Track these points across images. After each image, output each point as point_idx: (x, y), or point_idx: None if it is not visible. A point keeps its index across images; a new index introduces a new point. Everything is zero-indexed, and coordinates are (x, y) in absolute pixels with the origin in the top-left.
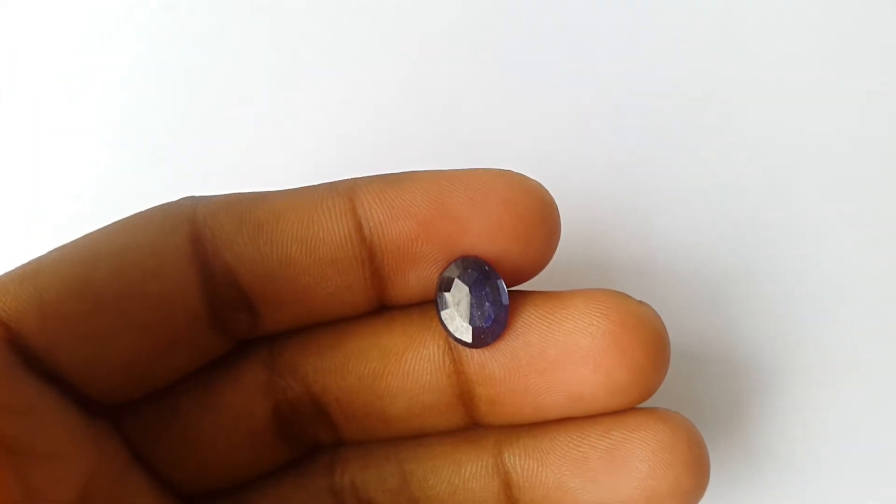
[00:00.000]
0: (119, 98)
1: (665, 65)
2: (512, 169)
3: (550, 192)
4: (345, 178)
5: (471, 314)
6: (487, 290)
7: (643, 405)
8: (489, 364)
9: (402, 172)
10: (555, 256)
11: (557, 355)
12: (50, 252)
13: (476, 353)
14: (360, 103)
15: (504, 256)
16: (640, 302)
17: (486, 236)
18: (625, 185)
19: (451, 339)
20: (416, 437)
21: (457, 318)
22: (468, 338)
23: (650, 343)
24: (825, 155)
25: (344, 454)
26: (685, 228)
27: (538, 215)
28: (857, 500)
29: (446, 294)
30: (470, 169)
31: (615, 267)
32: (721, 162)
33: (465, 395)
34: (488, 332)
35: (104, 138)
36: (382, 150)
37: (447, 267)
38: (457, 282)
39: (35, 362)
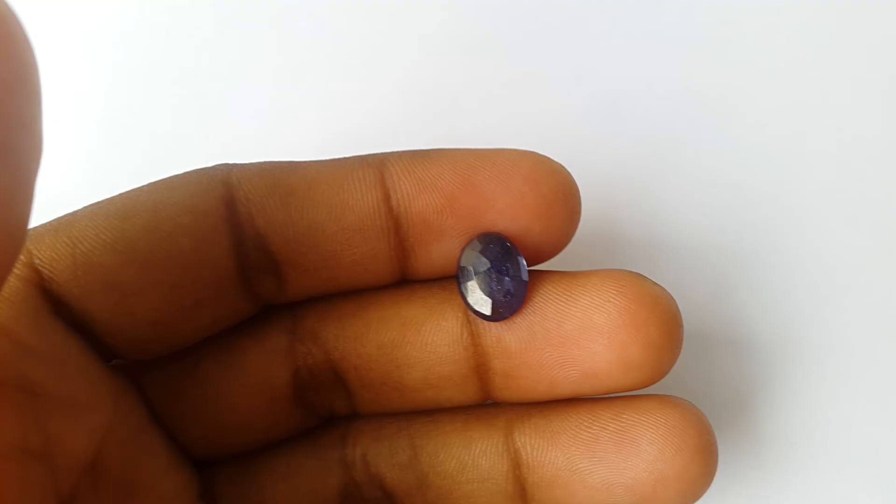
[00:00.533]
0: (119, 93)
1: (676, 52)
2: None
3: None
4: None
5: (490, 288)
6: (508, 265)
7: (655, 390)
8: (505, 337)
9: (430, 149)
10: (573, 239)
11: (573, 330)
12: (86, 206)
13: (493, 327)
14: (370, 97)
15: (526, 234)
16: (655, 283)
17: (510, 213)
18: (639, 171)
19: (470, 312)
20: (428, 413)
21: (477, 291)
22: (487, 310)
23: (664, 322)
24: (835, 138)
25: (357, 427)
26: (698, 215)
27: (560, 195)
28: (863, 487)
29: (468, 267)
30: (496, 148)
31: (631, 251)
32: (733, 147)
33: (480, 368)
34: (506, 306)
35: (100, 136)
36: (391, 140)
37: (470, 242)
38: (479, 256)
39: (64, 310)
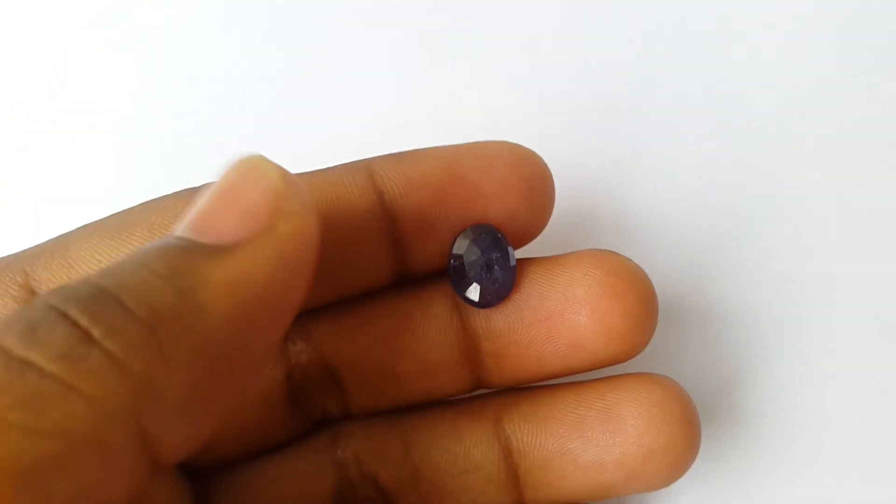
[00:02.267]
0: (126, 99)
1: (647, 37)
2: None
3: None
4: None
5: (481, 276)
6: (498, 254)
7: (636, 369)
8: (494, 319)
9: (413, 150)
10: (548, 229)
11: (556, 306)
12: (78, 229)
13: (482, 311)
14: (367, 95)
15: (512, 217)
16: (629, 259)
17: (497, 199)
18: (610, 157)
19: (460, 299)
20: (417, 410)
21: (467, 279)
22: (476, 297)
23: (641, 292)
24: (815, 106)
25: (347, 428)
26: (670, 195)
27: (539, 177)
28: (848, 463)
29: (459, 256)
30: (475, 142)
31: (604, 234)
32: (705, 128)
33: (471, 352)
34: (495, 293)
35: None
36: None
37: (461, 232)
38: (470, 245)
39: None
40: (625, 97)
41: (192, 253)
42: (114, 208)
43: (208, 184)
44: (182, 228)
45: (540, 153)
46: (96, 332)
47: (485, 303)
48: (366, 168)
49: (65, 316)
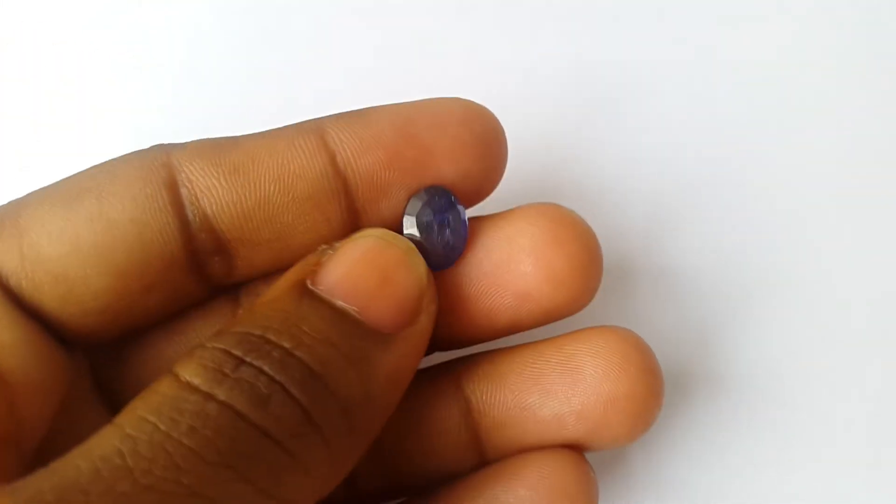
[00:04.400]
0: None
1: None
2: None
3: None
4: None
5: (433, 238)
6: (449, 216)
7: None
8: (440, 275)
9: (365, 108)
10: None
11: (501, 257)
12: (29, 195)
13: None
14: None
15: (465, 175)
16: (570, 209)
17: (450, 157)
18: (581, 125)
19: None
20: None
21: (419, 240)
22: (427, 260)
23: (584, 239)
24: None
25: None
26: (636, 160)
27: (492, 134)
28: (818, 426)
29: (412, 218)
30: (427, 99)
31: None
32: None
33: None
34: (445, 257)
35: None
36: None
37: (416, 193)
38: (424, 207)
39: (17, 300)
40: (602, 73)
41: (366, 339)
42: None
43: (357, 241)
44: (342, 291)
45: (502, 114)
46: (315, 415)
47: (435, 265)
48: (317, 129)
49: (291, 396)
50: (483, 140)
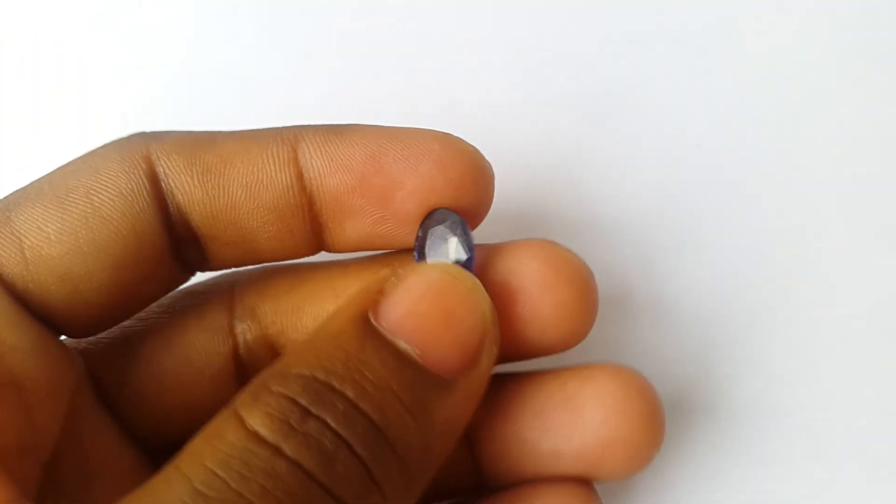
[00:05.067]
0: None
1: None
2: (449, 132)
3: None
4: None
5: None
6: (463, 239)
7: (606, 358)
8: None
9: (346, 125)
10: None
11: (491, 295)
12: (16, 195)
13: None
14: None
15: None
16: (565, 248)
17: (419, 195)
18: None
19: None
20: None
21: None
22: None
23: (577, 280)
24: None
25: None
26: (625, 189)
27: (469, 177)
28: (821, 450)
29: (433, 240)
30: (409, 128)
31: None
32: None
33: None
34: None
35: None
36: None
37: (430, 215)
38: (445, 231)
39: (24, 303)
40: (602, 92)
41: (427, 387)
42: None
43: (422, 275)
44: (405, 331)
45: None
46: (375, 473)
47: None
48: (293, 139)
49: (355, 454)
50: (456, 183)
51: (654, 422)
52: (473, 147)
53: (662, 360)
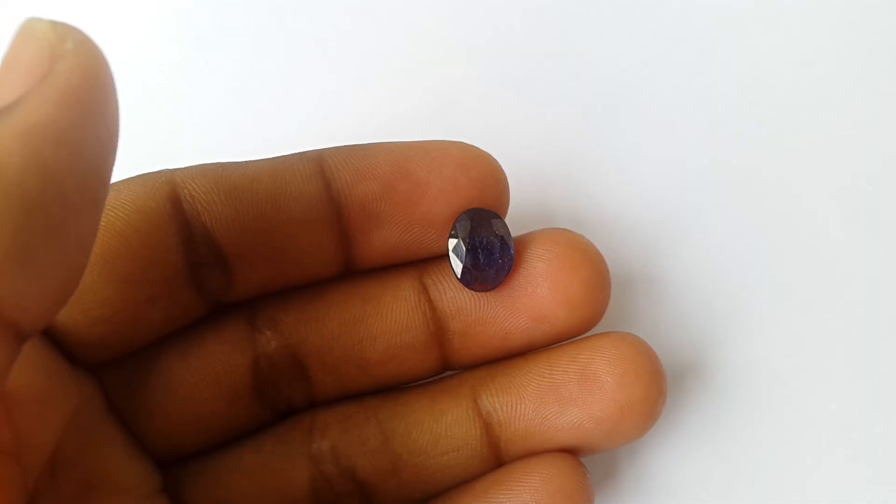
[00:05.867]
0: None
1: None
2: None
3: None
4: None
5: (485, 260)
6: (501, 238)
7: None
8: (459, 298)
9: (366, 143)
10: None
11: (518, 280)
12: None
13: (448, 290)
14: (367, 96)
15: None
16: (580, 235)
17: (444, 197)
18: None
19: (439, 279)
20: (394, 397)
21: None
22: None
23: (595, 263)
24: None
25: (323, 419)
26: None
27: (490, 178)
28: (818, 435)
29: (465, 238)
30: (426, 140)
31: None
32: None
33: (439, 332)
34: (496, 277)
35: None
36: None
37: (463, 215)
38: (475, 228)
39: None
40: (605, 92)
41: None
42: None
43: None
44: None
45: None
46: None
47: (485, 286)
48: (317, 157)
49: None
50: (478, 183)
51: (661, 380)
52: (487, 152)
53: (661, 335)
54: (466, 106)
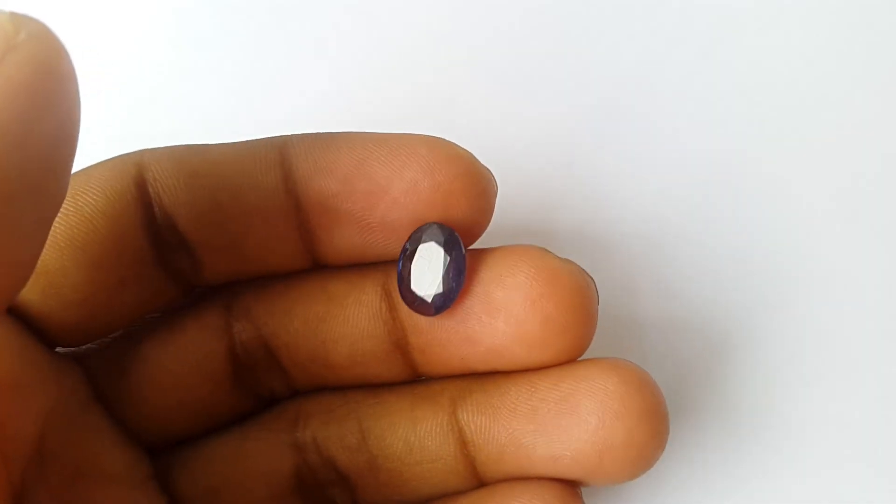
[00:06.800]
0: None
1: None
2: (443, 136)
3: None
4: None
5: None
6: (453, 255)
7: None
8: (415, 315)
9: (333, 132)
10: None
11: (474, 306)
12: None
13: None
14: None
15: (422, 220)
16: (558, 257)
17: (403, 202)
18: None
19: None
20: (376, 392)
21: (426, 282)
22: (429, 303)
23: (565, 297)
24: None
25: (306, 409)
26: (634, 198)
27: (460, 185)
28: (818, 435)
29: (420, 260)
30: (397, 133)
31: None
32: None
33: (402, 343)
34: (447, 298)
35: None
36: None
37: (422, 228)
38: (435, 247)
39: None
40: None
41: None
42: None
43: None
44: None
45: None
46: None
47: (437, 308)
48: (282, 144)
49: None
50: (445, 189)
51: (656, 422)
52: (467, 152)
53: (663, 360)
54: (466, 106)
